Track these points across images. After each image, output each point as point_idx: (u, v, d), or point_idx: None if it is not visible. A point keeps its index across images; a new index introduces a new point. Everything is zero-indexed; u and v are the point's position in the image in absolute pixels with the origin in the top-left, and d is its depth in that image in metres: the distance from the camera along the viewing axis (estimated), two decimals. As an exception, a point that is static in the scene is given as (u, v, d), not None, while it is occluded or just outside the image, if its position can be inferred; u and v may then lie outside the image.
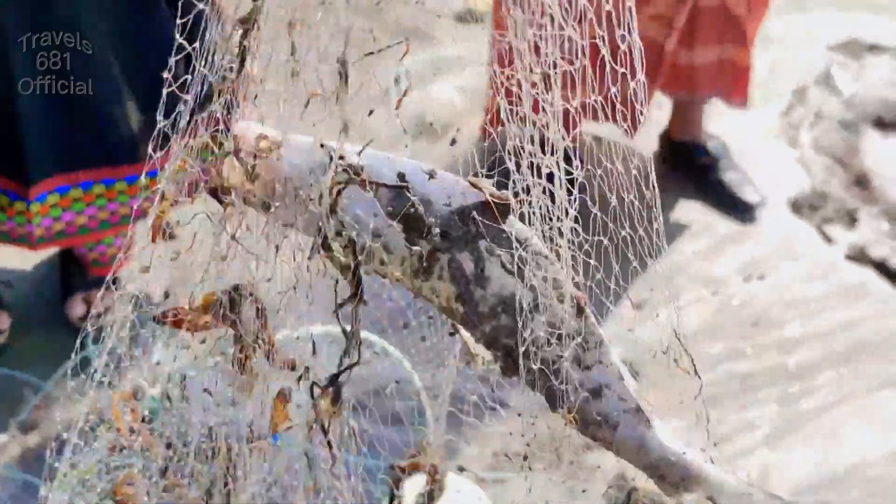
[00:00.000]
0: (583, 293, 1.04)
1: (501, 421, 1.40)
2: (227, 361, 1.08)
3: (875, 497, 2.25)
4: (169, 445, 1.17)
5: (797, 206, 3.07)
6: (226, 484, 1.13)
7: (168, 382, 1.19)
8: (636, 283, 1.04)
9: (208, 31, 0.97)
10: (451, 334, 1.13)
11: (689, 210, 3.02)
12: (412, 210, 1.00)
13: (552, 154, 1.00)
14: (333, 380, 1.01)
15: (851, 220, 3.03)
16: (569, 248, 1.03)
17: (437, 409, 1.58)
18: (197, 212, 1.04)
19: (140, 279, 1.05)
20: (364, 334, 1.02)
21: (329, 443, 1.06)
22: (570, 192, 1.02)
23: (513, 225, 1.03)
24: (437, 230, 1.00)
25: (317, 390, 1.02)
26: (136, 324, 1.08)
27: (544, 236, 1.03)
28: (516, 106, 1.01)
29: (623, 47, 0.94)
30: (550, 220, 1.03)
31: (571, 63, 0.96)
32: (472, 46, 2.82)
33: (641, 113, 0.97)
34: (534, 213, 1.03)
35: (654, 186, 1.00)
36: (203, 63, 0.97)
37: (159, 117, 0.96)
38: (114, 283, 1.05)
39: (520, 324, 1.02)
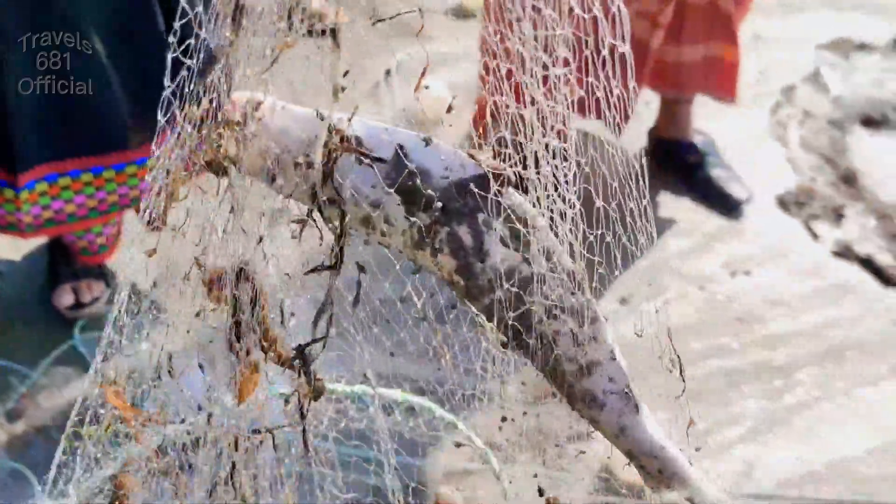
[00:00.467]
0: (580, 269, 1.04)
1: (486, 412, 1.41)
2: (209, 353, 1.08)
3: (857, 492, 2.27)
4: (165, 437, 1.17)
5: (784, 203, 3.08)
6: (231, 475, 1.13)
7: (160, 369, 1.19)
8: (623, 278, 1.05)
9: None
10: (453, 307, 1.13)
11: (677, 206, 3.03)
12: (409, 182, 0.99)
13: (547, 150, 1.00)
14: (300, 352, 1.00)
15: (838, 217, 3.05)
16: (570, 229, 1.03)
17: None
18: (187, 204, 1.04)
19: (130, 268, 1.06)
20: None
21: (304, 430, 1.05)
22: (557, 187, 1.02)
23: (510, 197, 1.02)
24: (439, 203, 1.00)
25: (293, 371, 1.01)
26: (128, 312, 1.08)
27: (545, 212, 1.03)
28: (505, 97, 1.02)
29: (605, 51, 0.94)
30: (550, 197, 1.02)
31: (567, 63, 0.96)
32: (466, 42, 2.82)
33: (628, 110, 0.98)
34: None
35: (643, 180, 1.01)
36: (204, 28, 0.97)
37: (166, 81, 0.96)
38: (104, 272, 1.06)
39: (511, 297, 1.01)
